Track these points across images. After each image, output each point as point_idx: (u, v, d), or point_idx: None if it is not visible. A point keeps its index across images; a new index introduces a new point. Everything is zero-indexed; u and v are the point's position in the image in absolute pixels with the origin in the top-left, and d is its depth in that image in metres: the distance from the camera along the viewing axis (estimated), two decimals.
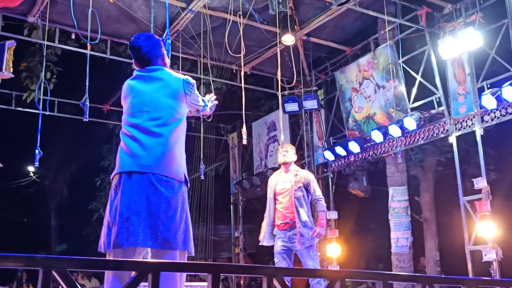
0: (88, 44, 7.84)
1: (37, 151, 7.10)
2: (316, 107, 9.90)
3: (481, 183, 7.31)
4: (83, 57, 8.28)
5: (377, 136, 8.78)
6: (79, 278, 10.58)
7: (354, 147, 9.22)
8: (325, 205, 5.27)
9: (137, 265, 2.00)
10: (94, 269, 1.95)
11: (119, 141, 3.05)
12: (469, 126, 7.77)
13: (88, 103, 6.63)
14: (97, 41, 8.09)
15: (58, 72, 10.23)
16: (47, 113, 8.04)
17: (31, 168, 15.71)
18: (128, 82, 3.16)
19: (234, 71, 10.14)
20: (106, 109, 11.23)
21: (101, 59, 9.55)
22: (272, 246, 5.10)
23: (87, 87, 6.76)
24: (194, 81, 3.17)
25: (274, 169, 5.56)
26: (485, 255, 7.07)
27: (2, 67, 3.73)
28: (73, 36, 8.62)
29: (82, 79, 6.99)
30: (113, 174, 2.95)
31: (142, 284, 1.98)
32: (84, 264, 1.93)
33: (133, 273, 1.99)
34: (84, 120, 6.79)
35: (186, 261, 2.72)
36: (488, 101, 7.25)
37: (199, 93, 3.28)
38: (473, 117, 7.70)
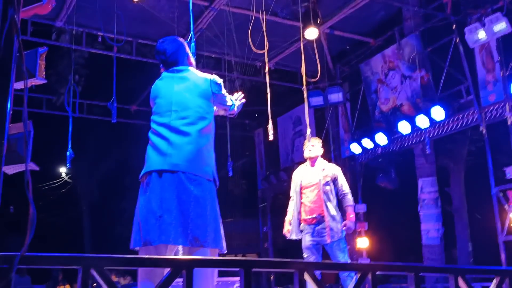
0: (114, 46, 7.98)
1: (68, 153, 7.26)
2: (341, 100, 9.84)
3: None
4: (109, 59, 8.43)
5: (404, 128, 8.68)
6: (113, 276, 10.79)
7: (381, 139, 9.14)
8: (353, 199, 5.25)
9: (172, 262, 2.06)
10: (131, 267, 2.01)
11: (147, 141, 3.12)
12: (500, 114, 7.61)
13: (115, 105, 6.76)
14: (122, 43, 8.22)
15: (86, 75, 10.44)
16: (77, 115, 8.22)
17: (63, 170, 16.06)
18: (156, 83, 3.23)
19: (258, 67, 10.16)
20: (133, 109, 11.40)
21: (127, 60, 9.70)
22: (299, 241, 5.11)
23: (114, 89, 6.88)
24: (221, 80, 3.21)
25: (301, 164, 5.54)
26: None
27: (36, 73, 3.84)
28: (99, 39, 8.78)
29: (109, 81, 7.13)
30: (142, 172, 3.01)
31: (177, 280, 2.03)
32: (121, 262, 1.99)
33: (167, 270, 2.04)
34: (113, 121, 6.93)
35: (218, 257, 2.77)
36: None
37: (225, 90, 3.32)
38: (504, 104, 7.54)
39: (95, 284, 1.90)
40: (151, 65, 9.96)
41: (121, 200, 13.62)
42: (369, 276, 2.31)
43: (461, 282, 2.55)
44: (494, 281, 2.71)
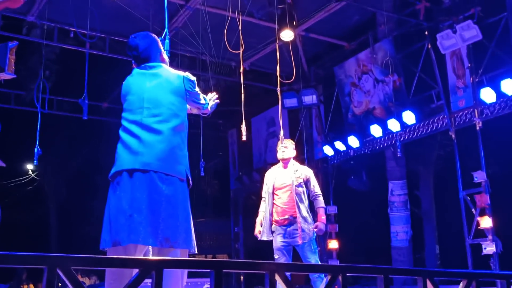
0: (87, 42, 7.84)
1: (36, 150, 7.11)
2: (315, 102, 9.91)
3: (480, 176, 7.33)
4: (82, 55, 8.29)
5: (376, 131, 8.79)
6: (79, 276, 10.59)
7: (353, 142, 9.24)
8: (323, 201, 5.27)
9: (141, 263, 2.02)
10: (99, 267, 1.96)
11: (118, 138, 3.05)
12: (469, 120, 7.78)
13: (87, 101, 6.64)
14: (95, 40, 8.08)
15: (57, 71, 10.23)
16: (46, 111, 8.04)
17: (30, 167, 15.71)
18: (127, 79, 3.16)
19: (233, 67, 10.14)
20: (104, 106, 11.23)
21: (99, 57, 9.54)
22: (270, 242, 5.11)
23: (86, 86, 6.77)
24: (195, 78, 3.17)
25: (274, 165, 5.53)
26: (485, 248, 7.10)
27: (5, 68, 3.72)
28: (72, 35, 8.62)
29: (81, 77, 7.00)
30: (112, 171, 2.93)
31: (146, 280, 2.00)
32: (88, 262, 1.94)
33: (135, 271, 2.00)
34: (83, 118, 6.81)
35: (188, 258, 2.73)
36: (487, 94, 7.27)
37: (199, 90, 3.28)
38: (472, 110, 7.70)
39: (60, 284, 1.85)
40: (124, 62, 9.81)
41: (90, 199, 13.39)
42: (340, 278, 2.32)
43: (429, 285, 2.58)
44: (461, 284, 2.75)
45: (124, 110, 3.07)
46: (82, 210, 14.62)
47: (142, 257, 2.71)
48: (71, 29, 8.44)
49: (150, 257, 2.84)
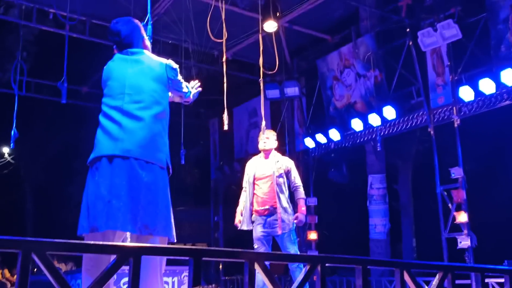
0: (66, 24, 7.69)
1: (12, 132, 6.97)
2: (298, 94, 9.91)
3: (457, 172, 7.45)
4: (61, 38, 8.12)
5: (357, 125, 8.85)
6: (55, 261, 10.49)
7: (334, 135, 9.28)
8: (304, 192, 5.30)
9: (118, 249, 1.98)
10: (75, 252, 1.93)
11: (98, 124, 3.00)
12: (447, 117, 7.88)
13: (66, 85, 6.53)
14: (75, 22, 7.93)
15: (36, 53, 10.02)
16: (24, 93, 7.88)
17: (6, 150, 15.42)
18: (108, 64, 3.11)
19: (216, 56, 10.07)
20: (84, 91, 11.07)
21: (80, 41, 9.38)
22: (250, 232, 5.12)
23: (65, 69, 6.65)
24: (177, 66, 3.13)
25: (255, 155, 5.53)
26: (460, 242, 7.23)
27: None
28: (51, 16, 8.44)
29: (60, 60, 6.87)
30: (91, 157, 2.89)
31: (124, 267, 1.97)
32: (65, 247, 1.91)
33: (113, 257, 1.97)
34: (62, 102, 6.69)
35: (167, 245, 2.71)
36: (466, 93, 7.37)
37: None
38: (451, 107, 7.81)
39: (36, 269, 1.81)
40: (105, 47, 9.66)
41: (68, 185, 13.22)
42: (319, 268, 2.33)
43: (406, 276, 2.61)
44: (437, 276, 2.78)
45: (104, 96, 3.03)
46: (60, 196, 14.45)
47: (119, 243, 2.68)
48: (50, 10, 8.26)
49: (128, 243, 2.81)
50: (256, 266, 2.18)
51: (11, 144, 7.05)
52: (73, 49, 8.18)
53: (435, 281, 2.78)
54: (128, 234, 2.94)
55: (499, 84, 7.05)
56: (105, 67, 3.10)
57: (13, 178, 16.17)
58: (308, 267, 2.32)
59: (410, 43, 8.29)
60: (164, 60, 3.07)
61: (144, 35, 3.19)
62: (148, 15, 4.31)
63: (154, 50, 3.25)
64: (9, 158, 15.58)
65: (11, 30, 9.72)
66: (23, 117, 7.72)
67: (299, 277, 2.31)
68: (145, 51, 3.10)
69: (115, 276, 2.76)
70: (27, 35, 9.67)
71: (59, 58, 7.20)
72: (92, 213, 2.73)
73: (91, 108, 11.45)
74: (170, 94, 3.14)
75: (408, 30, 8.35)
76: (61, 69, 6.79)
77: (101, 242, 2.22)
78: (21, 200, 16.48)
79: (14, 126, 7.02)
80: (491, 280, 6.34)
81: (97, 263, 2.67)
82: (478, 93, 7.31)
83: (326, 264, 2.40)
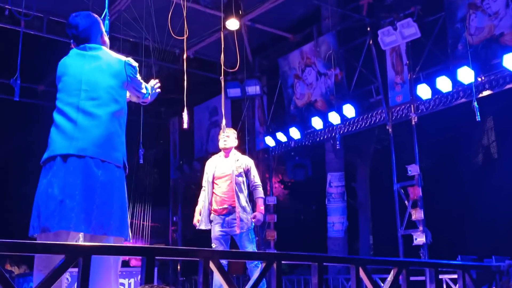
0: (22, 20, 7.46)
1: None
2: (259, 93, 9.93)
3: (414, 169, 7.62)
4: (18, 35, 7.86)
5: (317, 123, 8.93)
6: (8, 265, 10.15)
7: (294, 133, 9.34)
8: (263, 191, 5.31)
9: (66, 248, 1.93)
10: (21, 253, 1.86)
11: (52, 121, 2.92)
12: (405, 115, 8.05)
13: (19, 82, 6.33)
14: (31, 18, 7.70)
15: None
16: None
17: None
18: (64, 59, 3.02)
19: (177, 54, 9.97)
20: (40, 89, 10.76)
21: (37, 37, 9.10)
22: (209, 232, 5.09)
23: (19, 65, 6.45)
24: (137, 64, 3.07)
25: (215, 154, 5.50)
26: (416, 239, 7.40)
27: None
28: (6, 12, 8.17)
29: (16, 58, 6.65)
30: (45, 156, 2.81)
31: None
32: (9, 247, 1.84)
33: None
34: (15, 99, 6.48)
35: (119, 244, 2.66)
36: (423, 91, 7.54)
37: (140, 76, 3.18)
38: (409, 105, 7.98)
39: None
40: (63, 44, 9.41)
41: (21, 185, 12.78)
42: (274, 265, 2.33)
43: (361, 273, 2.65)
44: (392, 272, 2.84)
45: (59, 91, 2.95)
46: (12, 196, 13.98)
47: (68, 242, 2.61)
48: (6, 6, 8.00)
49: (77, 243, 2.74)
50: (211, 265, 2.16)
51: None
52: (30, 46, 7.94)
53: (390, 277, 2.84)
54: (81, 234, 2.87)
55: (455, 82, 7.22)
56: (60, 62, 3.02)
57: None
58: (264, 264, 2.32)
59: (371, 41, 8.43)
60: (123, 58, 3.02)
61: (103, 30, 3.13)
62: (106, 9, 4.23)
63: (113, 48, 3.19)
64: None
65: None
66: None
67: (255, 274, 2.31)
68: (103, 47, 3.04)
69: (69, 278, 2.69)
70: None
71: (14, 56, 6.97)
72: (43, 213, 2.66)
73: (47, 107, 11.12)
74: (127, 94, 3.08)
75: (368, 29, 8.48)
76: (16, 66, 6.58)
77: (48, 242, 2.15)
78: None
79: None
80: (445, 276, 6.50)
81: (49, 265, 2.59)
82: (435, 91, 7.49)
83: (282, 262, 2.41)
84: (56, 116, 2.86)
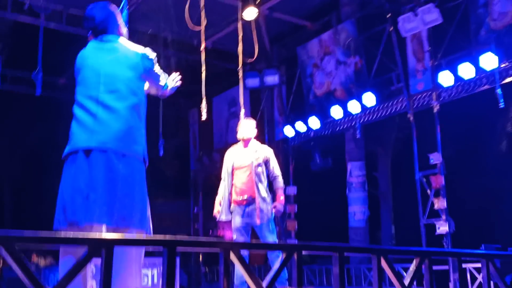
0: (41, 14, 7.54)
1: None
2: (277, 83, 9.87)
3: (436, 158, 7.51)
4: (38, 29, 7.97)
5: (336, 112, 8.86)
6: (34, 256, 10.37)
7: (314, 123, 9.28)
8: (283, 181, 5.29)
9: (89, 240, 1.94)
10: (45, 245, 1.88)
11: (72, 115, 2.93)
12: (427, 103, 7.92)
13: (41, 76, 6.39)
14: (50, 11, 7.77)
15: (12, 45, 9.82)
16: None
17: None
18: (82, 52, 3.03)
19: (195, 45, 9.96)
20: (61, 83, 10.89)
21: (56, 31, 9.19)
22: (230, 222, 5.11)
23: (40, 58, 6.52)
24: (154, 55, 3.05)
25: (235, 145, 5.50)
26: (438, 228, 7.31)
27: None
28: (26, 7, 8.26)
29: (37, 52, 6.74)
30: (67, 150, 2.82)
31: None
32: (34, 240, 1.86)
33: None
34: (36, 94, 6.56)
35: (140, 236, 2.67)
36: (445, 78, 7.41)
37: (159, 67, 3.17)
38: (431, 93, 7.84)
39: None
40: (83, 37, 9.48)
41: (45, 178, 13.02)
42: (295, 256, 2.32)
43: (383, 262, 2.61)
44: (414, 262, 2.80)
45: (78, 84, 2.95)
46: (37, 190, 14.25)
47: (91, 233, 2.64)
48: (25, 1, 8.09)
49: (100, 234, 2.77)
50: (232, 256, 2.16)
51: None
52: (50, 40, 8.03)
53: (412, 266, 2.80)
54: (104, 228, 2.90)
55: (478, 69, 7.08)
56: (78, 55, 3.03)
57: None
58: (284, 255, 2.31)
59: (391, 28, 8.29)
60: (140, 49, 2.99)
61: (120, 21, 3.11)
62: (124, 1, 4.23)
63: (132, 40, 3.17)
64: None
65: None
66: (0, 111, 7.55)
67: (275, 265, 2.30)
68: (120, 38, 3.03)
69: (94, 269, 2.72)
70: (2, 26, 9.45)
71: (35, 50, 7.07)
72: (69, 208, 2.69)
73: (68, 100, 11.24)
74: (146, 85, 3.08)
75: (388, 15, 8.33)
76: (37, 60, 6.66)
77: (71, 234, 2.17)
78: (0, 195, 16.24)
79: None
80: (469, 265, 6.42)
81: (73, 258, 2.63)
82: (457, 78, 7.35)
83: (302, 252, 2.39)
84: (76, 110, 2.88)
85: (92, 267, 2.76)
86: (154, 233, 2.92)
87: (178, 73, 3.33)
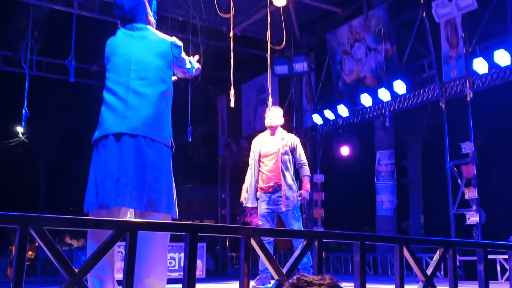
0: (74, 2, 7.66)
1: (24, 112, 7.05)
2: (306, 70, 9.80)
3: (468, 147, 7.36)
4: (72, 17, 8.12)
5: (366, 100, 8.76)
6: (67, 238, 10.70)
7: (343, 110, 9.20)
8: (309, 169, 5.29)
9: (115, 224, 2.01)
10: (72, 228, 1.95)
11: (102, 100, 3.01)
12: (460, 90, 7.74)
13: (74, 63, 6.53)
14: (83, 0, 7.89)
15: (47, 32, 10.03)
16: (34, 73, 7.92)
17: (20, 129, 15.58)
18: (111, 39, 3.09)
19: (224, 32, 9.97)
20: (94, 69, 11.08)
21: (89, 19, 9.35)
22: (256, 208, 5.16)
23: (73, 46, 6.64)
24: (181, 43, 3.11)
25: (262, 132, 5.52)
26: (469, 218, 7.18)
27: None
28: None
29: (70, 39, 6.87)
30: (97, 135, 2.90)
31: None
32: (61, 222, 1.93)
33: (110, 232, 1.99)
34: (70, 80, 6.71)
35: (163, 221, 2.74)
36: (480, 65, 7.22)
37: (188, 55, 3.23)
38: (464, 81, 7.66)
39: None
40: (115, 24, 9.62)
41: (79, 162, 13.33)
42: (316, 243, 2.34)
43: (405, 252, 2.61)
44: (438, 252, 2.78)
45: (108, 71, 3.02)
46: (70, 173, 14.63)
47: (116, 218, 2.71)
48: None
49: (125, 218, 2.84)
50: (253, 242, 2.19)
51: (22, 123, 7.13)
52: (83, 27, 8.16)
53: (436, 257, 2.78)
54: (130, 211, 2.97)
55: None
56: (107, 41, 3.09)
57: (27, 156, 16.37)
58: (305, 242, 2.33)
59: (424, 14, 8.10)
60: (168, 38, 3.06)
61: (149, 10, 3.16)
62: None
63: (162, 27, 3.22)
64: (23, 137, 15.74)
65: (21, 9, 9.71)
66: (35, 97, 7.76)
67: (296, 252, 2.32)
68: (149, 27, 3.09)
69: (122, 251, 2.81)
70: (38, 14, 9.66)
71: (70, 37, 7.22)
72: (101, 191, 2.76)
73: (100, 87, 11.45)
74: (174, 71, 3.14)
75: (422, 0, 8.15)
76: (71, 48, 6.80)
77: (97, 218, 2.24)
78: (35, 178, 16.72)
79: (25, 105, 7.09)
80: (499, 257, 6.31)
81: (101, 240, 2.71)
82: (492, 65, 7.16)
83: (326, 240, 2.41)
84: (107, 95, 2.94)
85: (121, 250, 2.84)
86: (182, 217, 2.97)
87: (197, 56, 3.39)
